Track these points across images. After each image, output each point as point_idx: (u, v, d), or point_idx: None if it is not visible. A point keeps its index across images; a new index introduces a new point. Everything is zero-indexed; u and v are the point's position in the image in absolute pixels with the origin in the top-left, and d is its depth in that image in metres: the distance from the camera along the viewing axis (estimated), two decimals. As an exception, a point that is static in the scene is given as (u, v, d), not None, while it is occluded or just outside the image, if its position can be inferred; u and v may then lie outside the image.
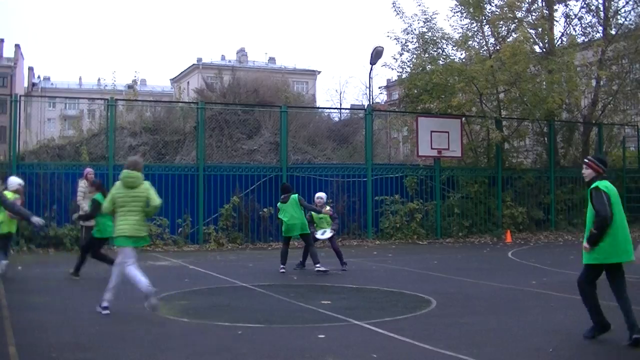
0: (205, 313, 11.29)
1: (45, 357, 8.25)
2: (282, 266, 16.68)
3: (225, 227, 23.68)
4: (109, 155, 23.27)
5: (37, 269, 17.69)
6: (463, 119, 28.13)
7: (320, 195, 17.85)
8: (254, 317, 10.76)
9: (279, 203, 17.34)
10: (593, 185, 9.07)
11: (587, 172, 9.25)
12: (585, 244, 8.97)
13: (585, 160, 9.36)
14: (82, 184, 20.76)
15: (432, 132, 26.49)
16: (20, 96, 24.22)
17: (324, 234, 17.25)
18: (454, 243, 25.12)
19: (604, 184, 9.07)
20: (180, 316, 10.85)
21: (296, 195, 17.03)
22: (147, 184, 11.38)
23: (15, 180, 16.81)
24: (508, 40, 28.66)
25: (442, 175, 26.78)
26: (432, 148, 26.52)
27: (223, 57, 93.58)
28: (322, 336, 9.23)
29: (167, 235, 22.96)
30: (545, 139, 30.62)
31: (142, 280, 10.82)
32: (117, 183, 11.27)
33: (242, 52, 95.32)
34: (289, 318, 10.86)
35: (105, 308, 10.89)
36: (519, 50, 26.35)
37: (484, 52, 29.01)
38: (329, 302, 12.14)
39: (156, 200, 11.35)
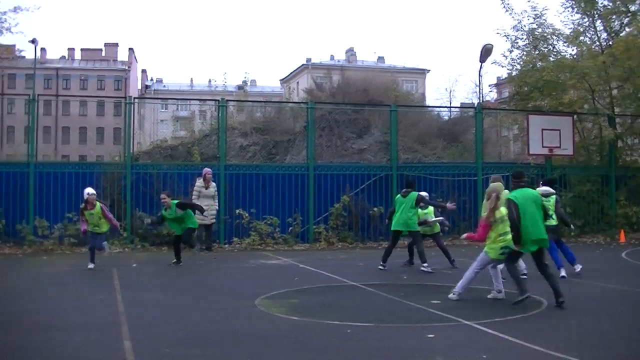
0: (314, 312, 11.40)
1: (159, 352, 8.51)
2: (382, 263, 16.86)
3: (335, 226, 23.80)
4: (220, 155, 23.64)
5: (151, 266, 18.18)
6: (575, 116, 27.58)
7: (423, 194, 17.76)
8: (363, 316, 10.83)
9: (397, 196, 17.37)
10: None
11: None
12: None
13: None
14: (199, 183, 21.29)
15: (543, 130, 26.08)
16: (134, 98, 24.95)
17: (434, 217, 17.44)
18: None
19: (513, 194, 11.83)
20: (290, 314, 10.98)
21: (416, 193, 16.94)
22: None
23: (85, 191, 17.80)
24: (621, 34, 28.04)
25: (553, 174, 26.35)
26: (543, 146, 26.12)
27: (332, 57, 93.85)
28: (432, 336, 9.25)
29: (277, 235, 23.21)
30: (661, 136, 29.80)
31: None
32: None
33: (351, 52, 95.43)
34: (398, 317, 10.89)
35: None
36: (633, 45, 25.77)
37: (596, 48, 28.43)
38: (439, 301, 12.13)
39: None
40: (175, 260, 18.02)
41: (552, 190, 16.09)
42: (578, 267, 15.98)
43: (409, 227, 16.71)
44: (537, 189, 15.48)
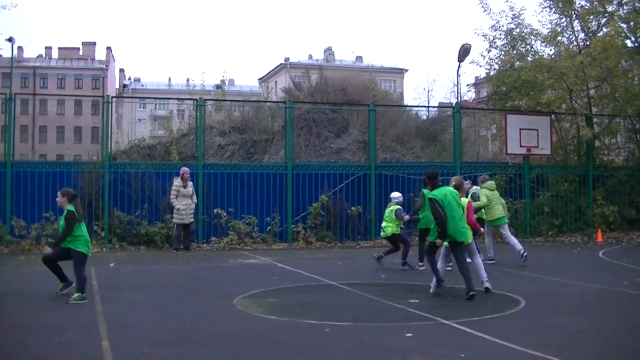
0: (293, 311, 11.43)
1: (138, 352, 8.49)
2: (420, 263, 16.96)
3: (313, 225, 23.80)
4: (198, 154, 23.60)
5: (129, 265, 18.13)
6: (553, 116, 27.70)
7: (395, 195, 18.16)
8: (342, 315, 10.88)
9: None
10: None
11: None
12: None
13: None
14: (177, 183, 21.28)
15: (521, 129, 26.19)
16: (111, 97, 24.78)
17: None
18: (544, 242, 24.80)
19: (434, 193, 12.81)
20: (268, 314, 10.99)
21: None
22: None
23: None
24: (599, 35, 28.22)
25: (531, 174, 26.43)
26: (521, 146, 26.22)
27: (310, 57, 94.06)
28: (410, 335, 9.28)
29: (256, 234, 23.20)
30: (638, 135, 29.86)
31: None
32: None
33: (329, 51, 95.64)
34: (377, 317, 10.93)
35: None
36: (610, 45, 25.94)
37: (574, 48, 28.59)
38: (417, 300, 12.19)
39: None
40: (61, 286, 13.34)
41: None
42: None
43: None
44: (470, 188, 17.88)
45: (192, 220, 21.64)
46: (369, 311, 11.47)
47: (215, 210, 23.04)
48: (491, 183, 18.83)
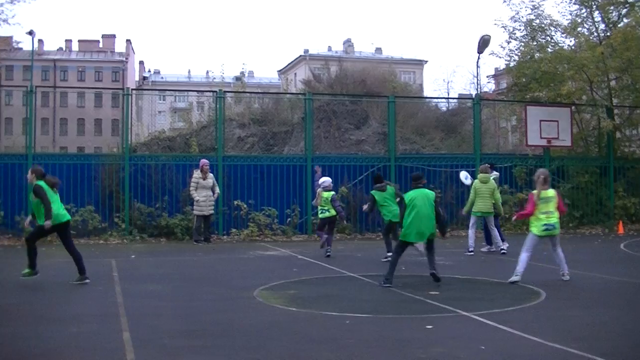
0: (313, 302, 11.44)
1: (158, 343, 8.52)
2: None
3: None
4: (218, 146, 23.65)
5: (149, 257, 18.20)
6: (573, 107, 27.56)
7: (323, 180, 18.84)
8: (362, 307, 10.87)
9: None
10: None
11: None
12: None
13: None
14: (196, 175, 21.34)
15: (541, 121, 26.08)
16: (131, 90, 24.86)
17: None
18: (564, 234, 24.54)
19: (410, 193, 13.57)
20: (288, 305, 11.00)
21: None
22: None
23: None
24: (619, 25, 27.99)
25: (551, 165, 26.23)
26: (541, 137, 26.12)
27: (330, 48, 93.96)
28: (430, 327, 9.27)
29: (276, 226, 23.25)
30: (659, 127, 29.79)
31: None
32: None
33: (348, 43, 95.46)
34: (397, 308, 10.93)
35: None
36: (631, 36, 25.75)
37: (594, 39, 28.36)
38: (437, 292, 12.17)
39: None
40: (27, 269, 13.53)
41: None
42: (486, 248, 19.12)
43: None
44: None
45: (212, 212, 21.69)
46: (389, 303, 11.46)
47: (235, 202, 23.10)
48: (483, 175, 18.75)
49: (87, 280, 13.20)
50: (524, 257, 13.30)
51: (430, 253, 13.56)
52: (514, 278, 13.09)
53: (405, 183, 23.62)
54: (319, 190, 18.54)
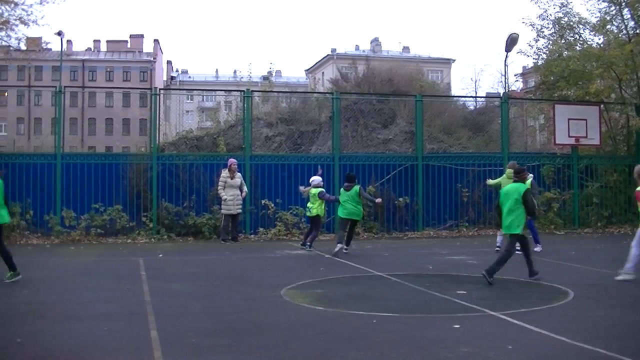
0: (340, 302, 11.44)
1: (185, 341, 8.56)
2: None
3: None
4: (245, 145, 23.67)
5: (177, 256, 18.27)
6: (601, 106, 27.34)
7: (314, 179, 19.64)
8: (389, 306, 10.87)
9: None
10: None
11: None
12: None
13: None
14: (224, 174, 21.40)
15: (569, 119, 25.91)
16: (159, 89, 24.97)
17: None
18: (593, 233, 24.54)
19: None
20: (315, 304, 11.00)
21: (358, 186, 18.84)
22: None
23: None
24: (649, 22, 27.81)
25: (580, 164, 26.11)
26: (569, 136, 25.95)
27: (357, 47, 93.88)
28: (457, 326, 9.26)
29: (303, 225, 23.21)
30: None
31: None
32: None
33: (376, 42, 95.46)
34: (424, 308, 10.91)
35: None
36: (661, 34, 25.57)
37: (623, 36, 28.09)
38: (465, 292, 12.13)
39: None
40: (9, 272, 13.27)
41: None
42: (538, 248, 18.44)
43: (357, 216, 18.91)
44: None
45: (239, 211, 21.72)
46: (416, 302, 11.46)
47: (263, 201, 23.13)
48: (510, 172, 18.74)
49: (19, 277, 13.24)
50: (636, 252, 13.35)
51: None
52: (624, 277, 13.24)
53: (433, 182, 23.75)
54: (308, 188, 19.73)
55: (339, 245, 17.96)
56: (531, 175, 19.18)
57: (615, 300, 11.59)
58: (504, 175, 18.99)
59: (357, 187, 18.59)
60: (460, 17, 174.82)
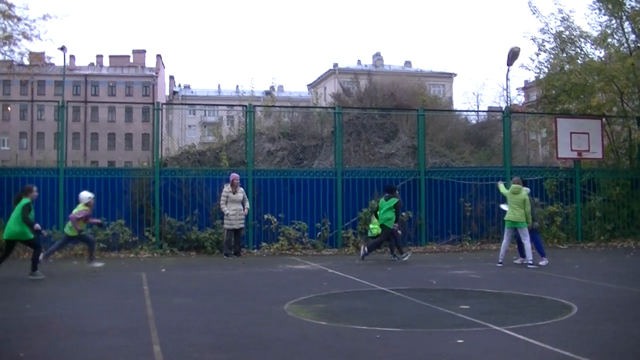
0: (342, 316, 11.41)
1: (188, 356, 8.54)
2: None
3: (363, 231, 23.68)
4: (248, 160, 23.69)
5: (180, 271, 18.28)
6: (603, 119, 27.35)
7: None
8: (392, 321, 10.83)
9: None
10: None
11: None
12: None
13: None
14: (227, 189, 21.41)
15: (571, 133, 25.90)
16: (162, 104, 24.99)
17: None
18: (596, 247, 24.51)
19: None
20: (317, 319, 10.97)
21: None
22: None
23: (85, 195, 18.33)
24: (650, 36, 27.84)
25: (582, 178, 26.09)
26: (571, 150, 25.94)
27: (359, 62, 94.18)
28: (461, 341, 9.23)
29: (306, 239, 23.23)
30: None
31: None
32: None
33: (378, 57, 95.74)
34: (427, 322, 10.87)
35: None
36: (662, 47, 25.61)
37: (624, 50, 28.14)
38: (468, 306, 12.10)
39: None
40: None
41: None
42: (544, 261, 18.67)
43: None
44: None
45: (242, 225, 21.71)
46: (420, 317, 11.42)
47: (265, 216, 23.14)
48: (515, 186, 18.88)
49: None
50: None
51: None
52: None
53: (435, 196, 23.74)
54: None
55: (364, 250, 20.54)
56: (527, 189, 19.27)
57: (620, 314, 11.55)
58: (509, 191, 19.02)
59: (394, 200, 20.57)
60: (462, 31, 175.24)
